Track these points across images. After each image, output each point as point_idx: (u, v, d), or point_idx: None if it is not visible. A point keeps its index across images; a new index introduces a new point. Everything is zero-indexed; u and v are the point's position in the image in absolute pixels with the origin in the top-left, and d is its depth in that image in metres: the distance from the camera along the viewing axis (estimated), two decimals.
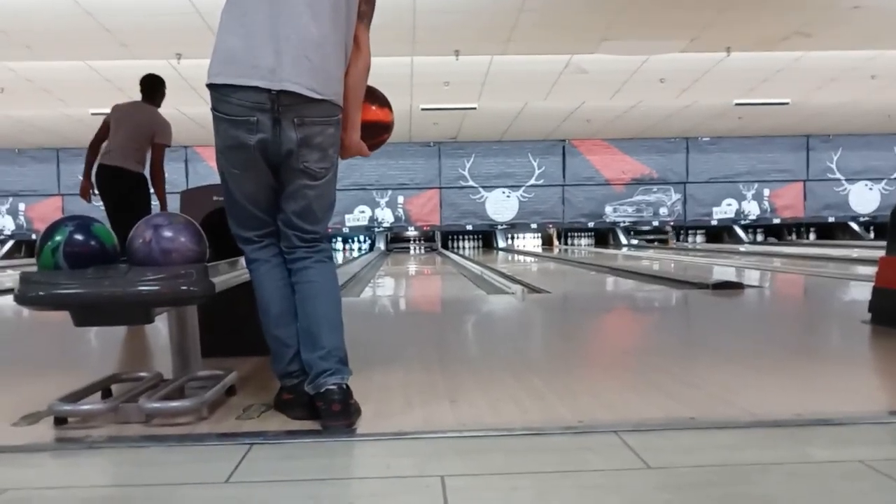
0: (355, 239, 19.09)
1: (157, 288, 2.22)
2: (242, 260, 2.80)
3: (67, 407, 2.33)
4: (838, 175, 19.19)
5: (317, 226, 2.42)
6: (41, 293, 2.23)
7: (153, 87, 5.72)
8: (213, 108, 2.32)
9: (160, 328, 2.81)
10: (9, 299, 4.00)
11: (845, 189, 19.27)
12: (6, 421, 2.40)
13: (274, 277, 2.43)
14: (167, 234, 2.36)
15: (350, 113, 2.44)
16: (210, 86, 2.30)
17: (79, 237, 2.32)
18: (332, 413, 2.26)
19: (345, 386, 2.31)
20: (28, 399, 2.60)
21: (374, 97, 2.67)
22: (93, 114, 14.00)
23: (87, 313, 2.27)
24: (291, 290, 2.42)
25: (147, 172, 5.52)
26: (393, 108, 2.80)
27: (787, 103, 14.40)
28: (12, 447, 2.18)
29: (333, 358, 2.32)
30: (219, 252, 2.72)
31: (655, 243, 18.92)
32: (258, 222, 2.43)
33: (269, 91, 2.23)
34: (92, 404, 2.40)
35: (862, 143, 18.93)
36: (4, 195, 18.50)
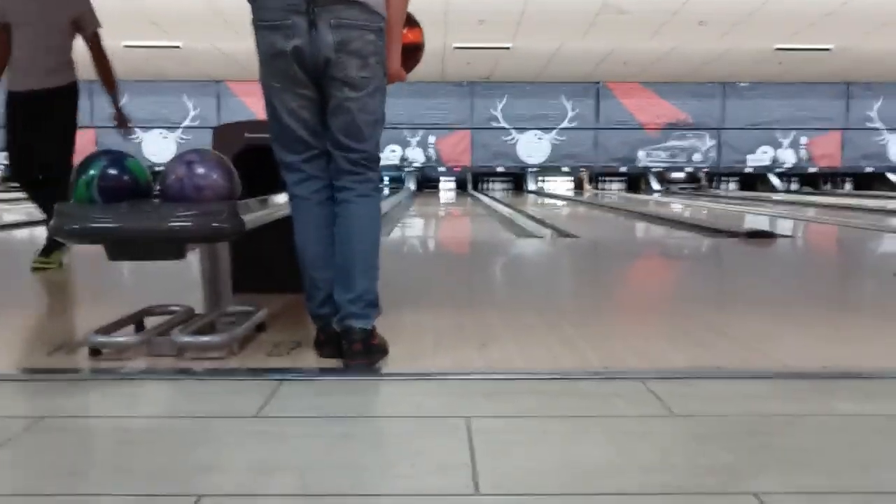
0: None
1: (189, 224, 2.23)
2: (274, 197, 2.83)
3: (102, 338, 2.37)
4: (878, 124, 18.75)
5: (363, 143, 2.33)
6: (76, 226, 2.26)
7: None
8: (253, 20, 2.27)
9: (192, 263, 2.84)
10: (44, 231, 4.08)
11: (885, 139, 18.85)
12: (43, 350, 2.46)
13: (313, 217, 2.40)
14: (200, 170, 2.37)
15: (392, 40, 2.36)
16: None
17: (113, 171, 2.33)
18: (353, 352, 2.28)
19: (369, 328, 2.32)
20: (64, 329, 2.66)
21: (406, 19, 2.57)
22: (125, 46, 14.05)
23: (121, 248, 2.29)
24: (330, 231, 2.39)
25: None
26: (423, 30, 2.78)
27: (829, 49, 14.03)
28: (49, 376, 2.23)
29: (362, 302, 2.31)
30: (250, 189, 2.72)
31: (688, 190, 18.71)
32: (301, 144, 2.35)
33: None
34: (126, 336, 2.44)
35: None
36: None
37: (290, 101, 2.30)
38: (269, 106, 2.36)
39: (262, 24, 2.24)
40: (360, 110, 2.30)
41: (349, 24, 2.20)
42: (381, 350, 2.38)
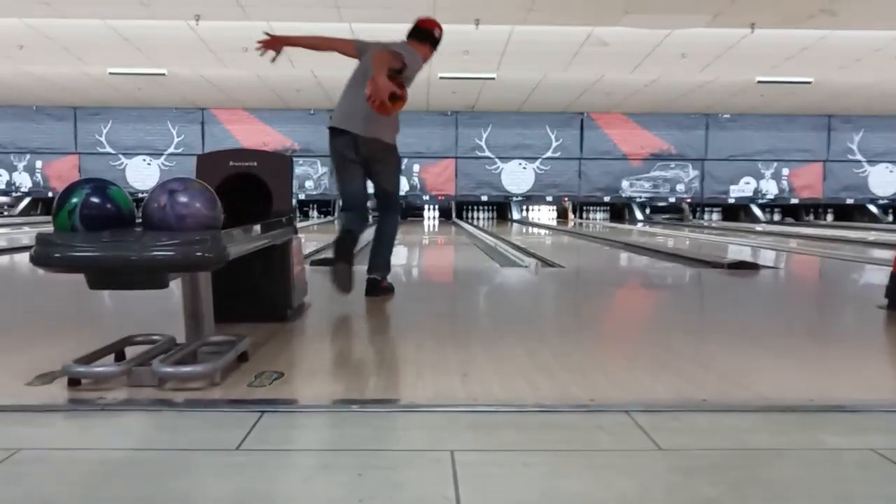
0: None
1: (171, 253, 2.21)
2: (257, 227, 2.82)
3: (81, 368, 2.34)
4: (859, 156, 18.99)
5: (389, 196, 4.52)
6: (57, 255, 2.23)
7: None
8: (330, 142, 4.37)
9: (174, 291, 2.81)
10: (25, 257, 4.01)
11: (865, 171, 19.07)
12: (20, 380, 2.42)
13: (355, 216, 4.42)
14: (182, 199, 2.36)
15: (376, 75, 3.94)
16: (329, 128, 4.39)
17: (95, 200, 2.32)
18: (372, 290, 4.43)
19: (379, 279, 4.51)
20: (42, 358, 2.62)
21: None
22: (110, 73, 14.04)
23: (102, 277, 2.27)
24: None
25: None
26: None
27: (809, 82, 14.22)
28: (26, 406, 2.20)
29: (380, 266, 4.55)
30: (234, 218, 2.71)
31: (671, 220, 18.81)
32: (353, 197, 4.40)
33: (353, 136, 4.24)
34: (105, 366, 2.41)
35: (885, 124, 18.69)
36: (22, 152, 18.56)
37: (347, 182, 4.38)
38: (337, 178, 4.47)
39: (333, 145, 4.33)
40: (385, 181, 4.47)
41: (374, 152, 4.31)
42: (389, 289, 4.55)
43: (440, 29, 4.55)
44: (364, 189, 4.39)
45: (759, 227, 16.08)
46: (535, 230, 15.02)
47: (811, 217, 19.73)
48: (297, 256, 3.78)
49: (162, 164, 18.54)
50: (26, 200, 18.70)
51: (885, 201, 19.20)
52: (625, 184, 19.05)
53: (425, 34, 4.53)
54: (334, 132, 4.29)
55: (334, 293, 4.12)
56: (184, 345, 2.65)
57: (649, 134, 18.89)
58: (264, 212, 3.51)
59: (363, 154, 4.24)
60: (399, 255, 9.03)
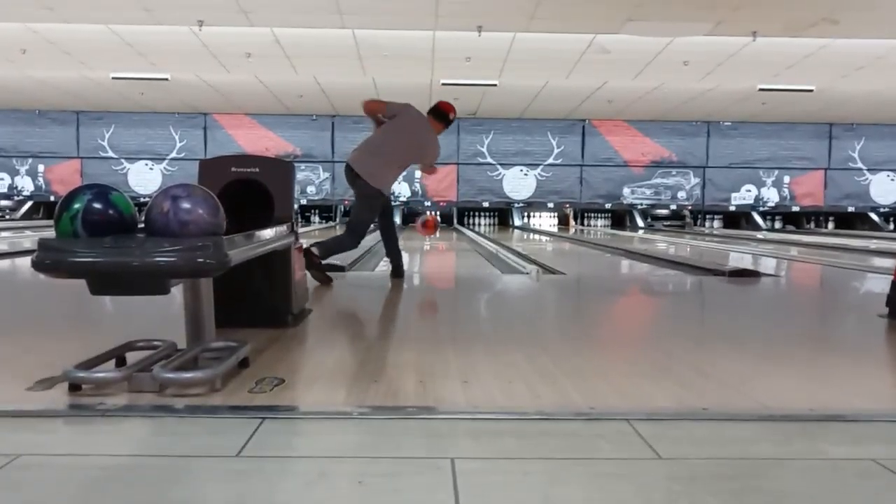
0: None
1: (173, 259, 2.22)
2: (258, 233, 2.82)
3: (82, 374, 2.34)
4: (860, 164, 19.01)
5: (353, 220, 5.58)
6: (58, 260, 2.23)
7: None
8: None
9: (175, 297, 2.81)
10: (27, 261, 3.99)
11: (867, 179, 19.09)
12: (21, 385, 2.42)
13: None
14: (185, 205, 2.36)
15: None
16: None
17: (97, 205, 2.32)
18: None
19: (309, 250, 4.97)
20: (43, 363, 2.62)
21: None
22: (113, 78, 14.07)
23: (104, 282, 2.27)
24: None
25: None
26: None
27: (811, 90, 14.24)
28: (26, 412, 2.20)
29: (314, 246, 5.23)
30: (236, 224, 2.71)
31: (672, 227, 18.81)
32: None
33: (355, 174, 5.40)
34: (106, 372, 2.41)
35: (886, 132, 18.73)
36: (24, 156, 18.59)
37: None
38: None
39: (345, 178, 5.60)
40: (354, 213, 5.64)
41: (359, 189, 5.40)
42: (321, 272, 5.18)
43: (454, 113, 5.93)
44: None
45: (760, 235, 16.08)
46: (537, 237, 15.02)
47: (812, 225, 19.73)
48: (299, 262, 3.79)
49: (164, 168, 18.57)
50: (28, 204, 18.72)
51: (886, 209, 19.21)
52: (626, 191, 19.08)
53: (442, 115, 5.87)
54: (346, 167, 5.51)
55: (336, 299, 4.13)
56: (185, 350, 2.65)
57: (651, 141, 18.92)
58: (266, 217, 3.51)
59: (355, 186, 5.40)
60: None
